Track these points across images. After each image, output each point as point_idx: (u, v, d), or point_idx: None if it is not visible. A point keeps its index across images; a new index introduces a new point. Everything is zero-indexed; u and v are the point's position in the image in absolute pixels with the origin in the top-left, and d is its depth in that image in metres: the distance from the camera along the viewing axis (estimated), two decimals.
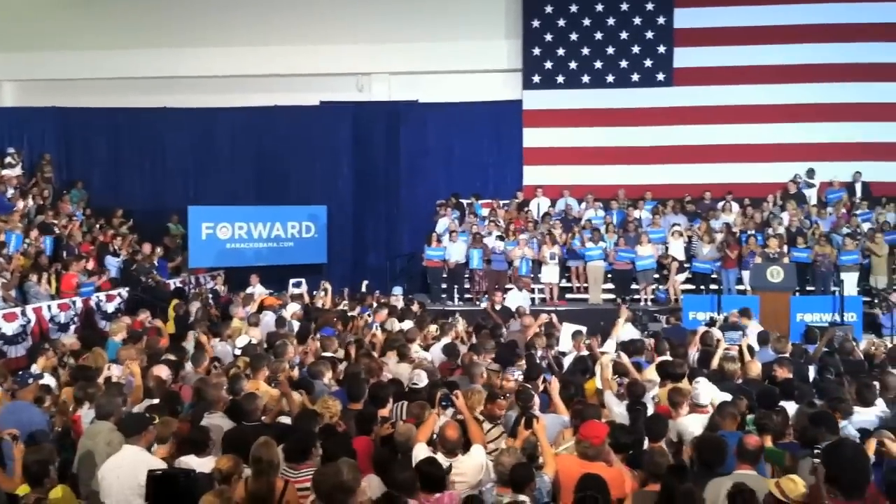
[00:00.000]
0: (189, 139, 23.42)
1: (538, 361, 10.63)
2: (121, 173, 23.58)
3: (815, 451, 5.70)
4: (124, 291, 17.16)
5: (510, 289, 18.39)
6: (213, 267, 20.58)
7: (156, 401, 8.02)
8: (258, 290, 16.73)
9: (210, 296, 17.94)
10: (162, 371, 9.14)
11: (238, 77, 22.87)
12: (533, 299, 18.60)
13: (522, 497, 5.78)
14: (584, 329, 12.68)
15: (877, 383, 8.82)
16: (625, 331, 12.77)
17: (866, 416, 7.98)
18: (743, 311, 13.55)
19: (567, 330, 12.82)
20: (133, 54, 22.70)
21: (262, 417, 7.63)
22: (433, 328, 13.11)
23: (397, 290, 17.97)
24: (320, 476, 5.49)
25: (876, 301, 17.23)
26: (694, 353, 11.18)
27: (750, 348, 11.31)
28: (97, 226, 19.96)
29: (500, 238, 19.57)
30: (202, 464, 6.51)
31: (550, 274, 19.07)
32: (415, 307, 15.90)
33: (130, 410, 8.14)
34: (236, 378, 8.71)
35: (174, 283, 18.85)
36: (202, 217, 20.84)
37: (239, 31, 22.76)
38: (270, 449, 6.05)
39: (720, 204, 20.87)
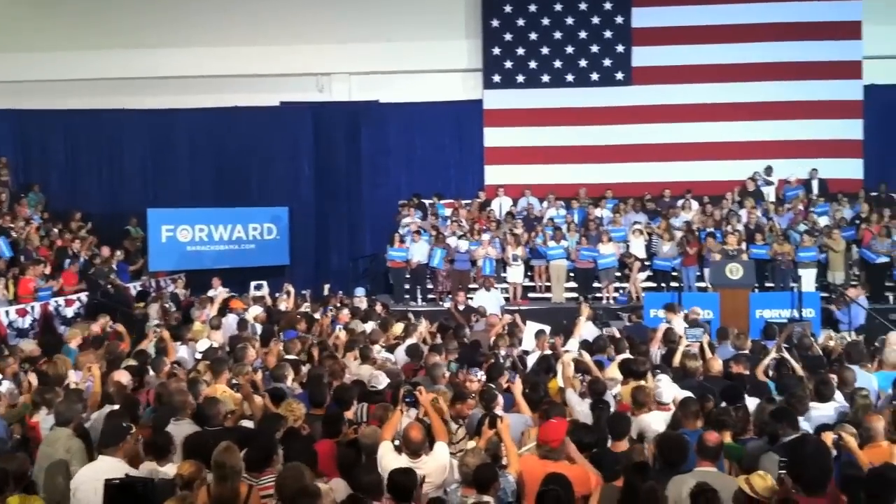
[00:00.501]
0: (148, 141, 23.14)
1: (502, 361, 10.65)
2: (78, 176, 23.27)
3: (783, 463, 5.78)
4: (83, 296, 16.94)
5: (475, 289, 18.43)
6: (173, 270, 20.35)
7: (116, 407, 7.95)
8: (219, 291, 16.55)
9: (170, 299, 17.74)
10: (123, 376, 9.03)
11: (197, 78, 22.63)
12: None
13: (487, 498, 5.79)
14: (547, 328, 12.73)
15: (835, 377, 8.98)
16: (586, 329, 12.86)
17: (824, 411, 8.11)
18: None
19: (531, 329, 12.86)
20: (90, 55, 22.36)
21: (225, 422, 7.57)
22: (398, 328, 13.09)
23: (360, 292, 17.91)
24: (283, 480, 5.46)
25: (833, 297, 17.46)
26: (656, 351, 11.27)
27: (711, 345, 11.45)
28: (55, 229, 19.67)
29: (463, 238, 19.59)
30: (164, 470, 6.45)
31: (515, 274, 19.12)
32: (378, 308, 15.88)
33: (89, 416, 8.08)
34: (194, 382, 8.64)
35: (134, 286, 18.66)
36: (162, 220, 20.63)
37: (197, 31, 22.55)
38: (233, 454, 5.99)
39: (679, 202, 21.06)
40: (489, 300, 17.17)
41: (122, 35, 22.49)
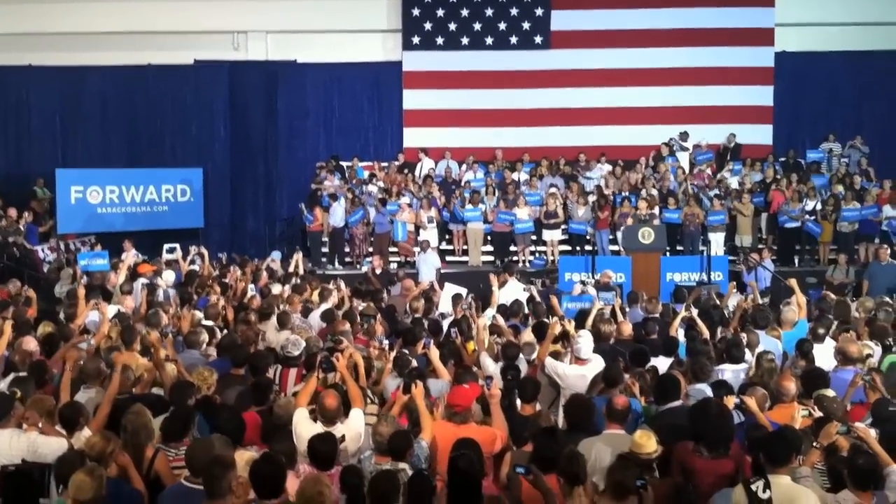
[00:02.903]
0: (56, 99, 22.31)
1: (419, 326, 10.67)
2: None
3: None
4: None
5: (394, 252, 18.46)
6: (83, 232, 19.85)
7: (22, 374, 7.76)
8: (131, 256, 16.20)
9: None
10: (30, 343, 8.82)
11: (108, 34, 21.85)
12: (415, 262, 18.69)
13: (402, 465, 5.86)
14: (464, 291, 12.84)
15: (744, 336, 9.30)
16: (511, 289, 13.06)
17: (734, 372, 8.37)
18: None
19: (448, 291, 12.96)
20: None
21: (133, 389, 7.47)
22: (315, 294, 13.01)
23: (276, 255, 17.75)
24: (193, 452, 5.43)
25: (740, 260, 17.92)
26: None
27: (622, 309, 11.69)
28: None
29: (382, 201, 19.53)
30: (74, 440, 6.34)
31: (429, 237, 19.11)
32: (300, 269, 15.73)
33: None
34: (110, 350, 8.50)
35: (42, 248, 18.17)
36: (71, 180, 20.03)
37: None
38: (139, 417, 5.98)
39: (595, 165, 21.28)
40: (427, 263, 17.21)
41: None
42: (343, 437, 6.26)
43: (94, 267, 15.20)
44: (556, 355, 8.56)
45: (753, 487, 5.25)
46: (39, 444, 6.21)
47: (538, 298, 12.45)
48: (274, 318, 10.67)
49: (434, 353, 8.35)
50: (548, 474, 5.52)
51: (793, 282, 11.19)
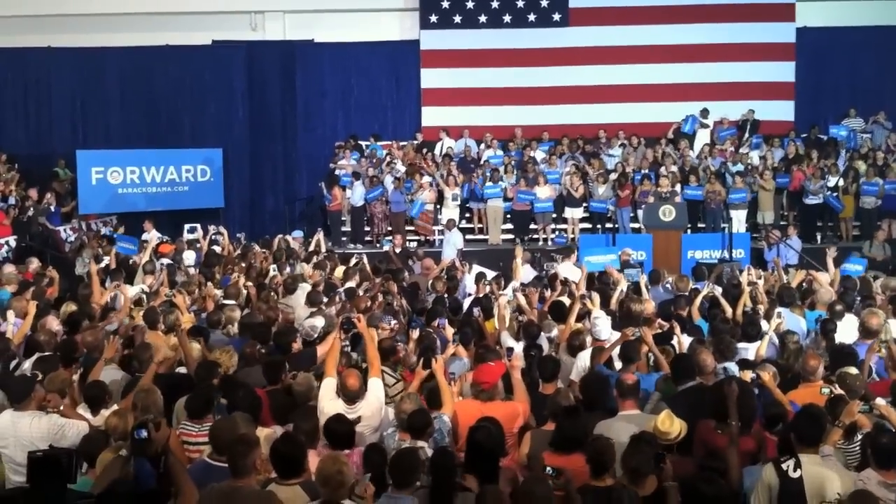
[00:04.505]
0: (76, 81, 22.31)
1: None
2: (4, 116, 22.42)
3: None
4: (12, 240, 16.53)
5: (410, 230, 18.47)
6: (103, 213, 19.97)
7: (46, 354, 7.81)
8: (153, 235, 16.28)
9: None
10: (52, 323, 8.88)
11: (127, 15, 21.88)
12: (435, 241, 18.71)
13: (421, 443, 5.87)
14: (490, 273, 12.79)
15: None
16: (524, 272, 12.98)
17: (751, 350, 8.33)
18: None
19: (475, 272, 12.95)
20: None
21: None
22: (339, 272, 13.04)
23: (298, 234, 17.79)
24: (217, 430, 5.45)
25: (762, 237, 17.76)
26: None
27: (647, 286, 11.60)
28: None
29: (400, 179, 19.52)
30: (97, 419, 6.39)
31: (451, 215, 19.09)
32: (321, 248, 15.78)
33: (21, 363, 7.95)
34: (143, 329, 8.55)
35: (64, 229, 18.29)
36: (92, 161, 20.16)
37: None
38: (149, 395, 6.01)
39: (617, 143, 21.15)
40: (450, 243, 17.19)
41: None
42: (359, 419, 6.28)
43: (124, 250, 15.22)
44: (578, 334, 8.51)
45: (784, 466, 5.23)
46: (63, 426, 6.16)
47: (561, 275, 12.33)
48: (299, 295, 10.69)
49: (450, 331, 8.37)
50: (572, 454, 5.51)
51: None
